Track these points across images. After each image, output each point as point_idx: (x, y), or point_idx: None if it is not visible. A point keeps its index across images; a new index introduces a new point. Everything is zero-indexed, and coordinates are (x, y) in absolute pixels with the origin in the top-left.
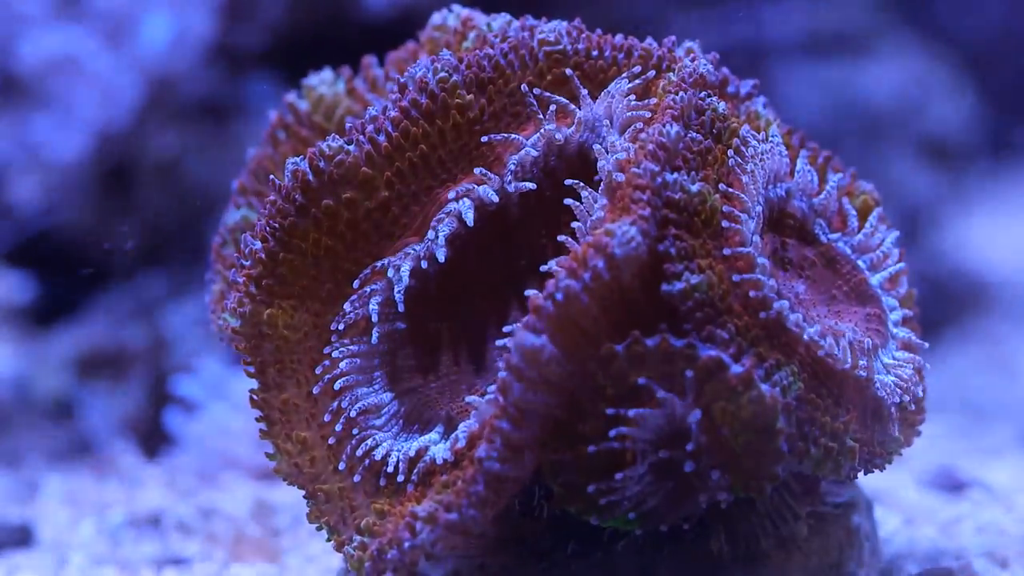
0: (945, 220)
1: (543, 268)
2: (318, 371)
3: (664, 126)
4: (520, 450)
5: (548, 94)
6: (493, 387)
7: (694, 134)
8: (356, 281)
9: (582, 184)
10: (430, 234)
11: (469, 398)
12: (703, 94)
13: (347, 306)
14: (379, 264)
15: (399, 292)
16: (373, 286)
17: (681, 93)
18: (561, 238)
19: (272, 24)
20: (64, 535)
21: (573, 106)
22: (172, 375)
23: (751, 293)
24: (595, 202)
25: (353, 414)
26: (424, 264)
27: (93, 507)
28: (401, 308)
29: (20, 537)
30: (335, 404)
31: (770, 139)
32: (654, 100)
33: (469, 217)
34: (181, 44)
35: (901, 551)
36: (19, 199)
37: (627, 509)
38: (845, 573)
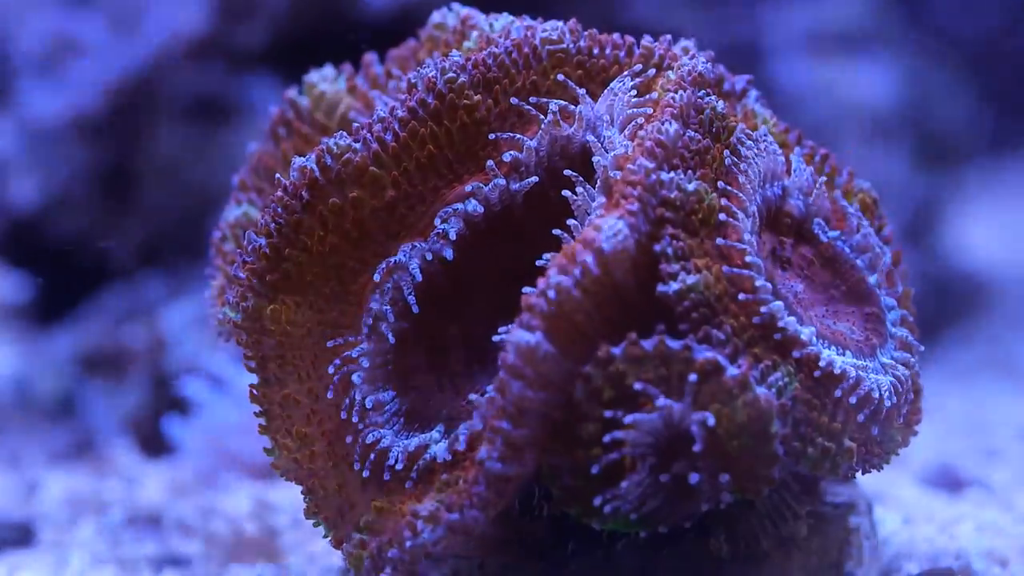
0: (944, 220)
1: (539, 263)
2: (331, 370)
3: (663, 124)
4: (520, 449)
5: (547, 100)
6: (491, 386)
7: (692, 133)
8: (377, 274)
9: (581, 179)
10: (438, 229)
11: (471, 396)
12: (702, 93)
13: (373, 305)
14: (392, 261)
15: (410, 294)
16: (385, 283)
17: (681, 91)
18: (557, 232)
19: (271, 23)
20: (64, 535)
21: (574, 107)
22: (172, 375)
23: (744, 295)
24: (592, 199)
25: (367, 407)
26: (430, 260)
27: (93, 507)
28: (416, 309)
29: (20, 536)
30: (339, 401)
31: (765, 137)
32: (655, 97)
33: (477, 208)
34: (180, 39)
35: (901, 551)
36: (19, 198)
37: (628, 512)
38: (845, 573)
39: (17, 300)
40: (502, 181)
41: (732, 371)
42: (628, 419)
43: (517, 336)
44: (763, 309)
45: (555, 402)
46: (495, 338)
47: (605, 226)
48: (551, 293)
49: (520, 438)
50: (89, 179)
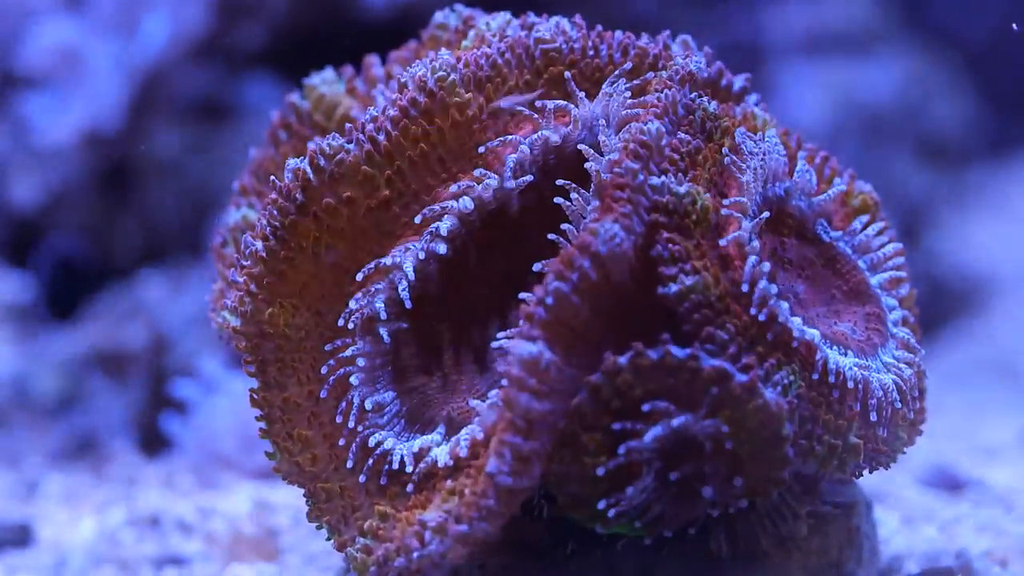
0: (944, 220)
1: (536, 268)
2: (324, 371)
3: (645, 124)
4: (530, 462)
5: (541, 103)
6: (495, 392)
7: (682, 134)
8: (360, 274)
9: (573, 185)
10: (431, 228)
11: (472, 402)
12: (693, 94)
13: (352, 303)
14: (382, 261)
15: (404, 290)
16: (377, 284)
17: (666, 91)
18: (552, 237)
19: (272, 23)
20: (64, 535)
21: (570, 106)
22: (172, 375)
23: (746, 295)
24: (587, 204)
25: (366, 408)
26: (425, 260)
27: (93, 507)
28: (409, 306)
29: (20, 537)
30: (340, 403)
31: (767, 139)
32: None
33: (468, 205)
34: (180, 41)
35: (901, 551)
36: (19, 198)
37: (633, 518)
38: (845, 572)
39: (17, 300)
40: (494, 180)
41: (740, 378)
42: (639, 429)
43: (520, 348)
44: (766, 309)
45: (561, 410)
46: (493, 344)
47: (601, 230)
48: (549, 300)
49: (530, 451)
50: (89, 179)
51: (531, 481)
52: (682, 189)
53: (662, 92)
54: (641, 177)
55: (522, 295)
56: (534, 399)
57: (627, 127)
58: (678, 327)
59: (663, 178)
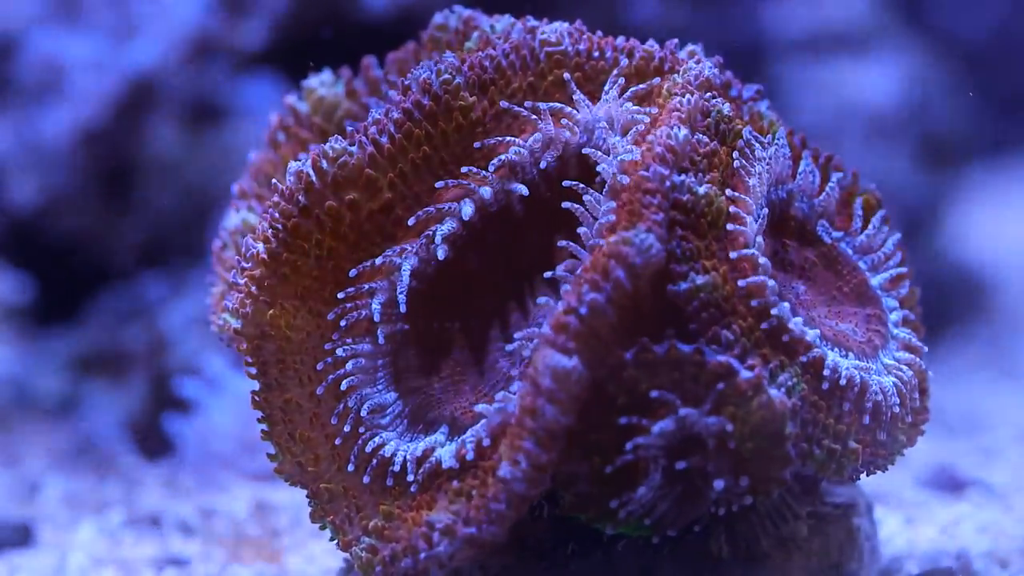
0: (944, 220)
1: (548, 275)
2: (319, 367)
3: (672, 129)
4: (546, 470)
5: (542, 104)
6: (500, 394)
7: (700, 136)
8: (353, 271)
9: (584, 187)
10: (430, 230)
11: (478, 407)
12: (708, 96)
13: (343, 297)
14: (378, 261)
15: (401, 292)
16: (374, 284)
17: (688, 96)
18: (563, 243)
19: (272, 23)
20: (64, 535)
21: (570, 109)
22: (172, 375)
23: (754, 301)
24: (599, 205)
25: (363, 413)
26: (425, 262)
27: (93, 507)
28: (404, 308)
29: (20, 537)
30: (341, 404)
31: (776, 141)
32: (660, 101)
33: (467, 213)
34: (179, 41)
35: (901, 551)
36: (19, 198)
37: (641, 516)
38: (845, 573)
39: (17, 300)
40: (497, 182)
41: (745, 374)
42: (645, 425)
43: (553, 359)
44: (771, 311)
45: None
46: (508, 347)
47: (636, 239)
48: (583, 311)
49: (548, 461)
50: (89, 179)
51: (544, 487)
52: (701, 190)
53: (684, 97)
54: (669, 183)
55: (541, 299)
56: (561, 413)
57: (654, 131)
58: (684, 326)
59: (684, 176)
